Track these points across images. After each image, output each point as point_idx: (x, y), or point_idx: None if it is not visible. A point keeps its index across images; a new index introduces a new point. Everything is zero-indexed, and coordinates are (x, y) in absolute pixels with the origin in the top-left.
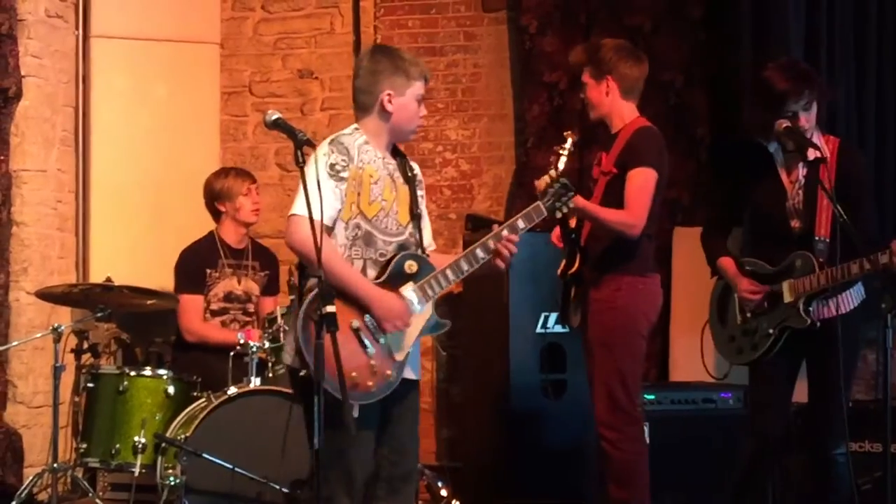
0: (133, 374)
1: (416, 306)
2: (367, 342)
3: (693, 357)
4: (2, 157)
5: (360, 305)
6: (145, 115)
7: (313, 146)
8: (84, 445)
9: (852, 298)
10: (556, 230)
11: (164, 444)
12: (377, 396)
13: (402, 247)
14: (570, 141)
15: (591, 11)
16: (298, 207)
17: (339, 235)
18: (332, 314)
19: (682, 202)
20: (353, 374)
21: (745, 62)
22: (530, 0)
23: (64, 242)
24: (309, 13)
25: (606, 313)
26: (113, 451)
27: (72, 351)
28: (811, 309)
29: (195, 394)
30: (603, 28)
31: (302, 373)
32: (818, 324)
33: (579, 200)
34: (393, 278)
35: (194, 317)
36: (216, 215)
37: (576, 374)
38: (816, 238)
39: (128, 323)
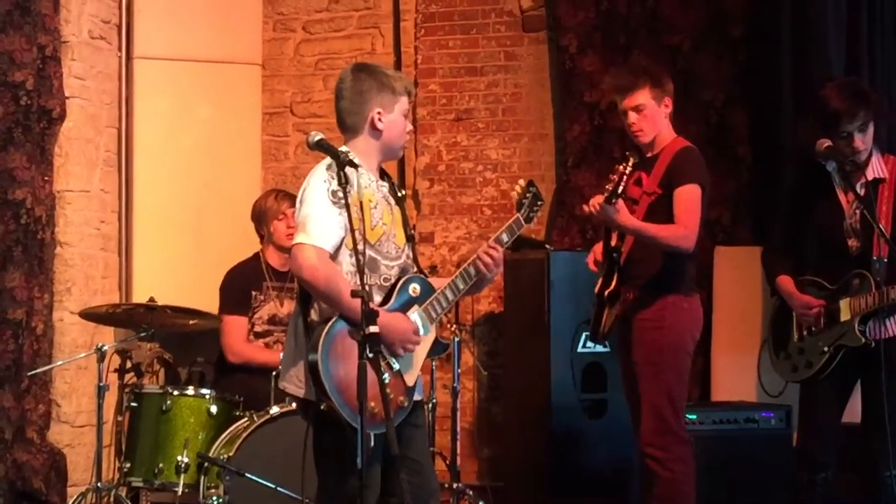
0: (176, 393)
1: (423, 329)
2: (381, 370)
3: (735, 376)
4: (46, 178)
5: None
6: (187, 136)
7: (356, 167)
8: (127, 465)
9: None
10: (592, 254)
11: (207, 464)
12: (392, 425)
13: (403, 270)
14: (631, 161)
15: (631, 31)
16: (303, 235)
17: (343, 263)
18: (376, 335)
19: (722, 222)
20: (372, 404)
21: (786, 81)
22: (570, 20)
23: (107, 262)
24: (350, 34)
25: (653, 333)
26: (156, 471)
27: (115, 370)
28: (866, 329)
29: (238, 413)
30: (643, 48)
31: (322, 406)
32: (873, 343)
33: (630, 219)
34: (399, 302)
35: (238, 338)
36: (260, 237)
37: (616, 393)
38: (874, 258)
39: (170, 342)
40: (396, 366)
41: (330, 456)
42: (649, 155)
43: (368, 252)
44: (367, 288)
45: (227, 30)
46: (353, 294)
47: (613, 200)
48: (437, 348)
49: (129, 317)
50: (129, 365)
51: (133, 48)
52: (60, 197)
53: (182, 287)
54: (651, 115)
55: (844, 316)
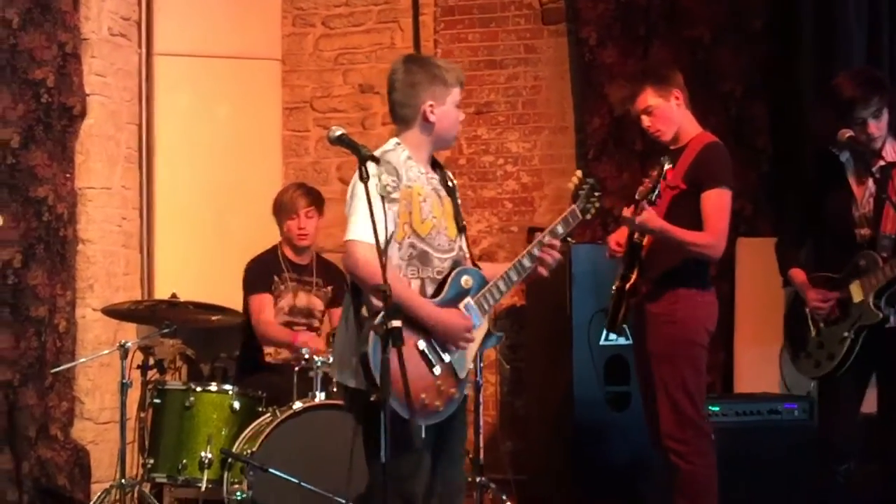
0: (199, 389)
1: (475, 321)
2: (433, 362)
3: (757, 368)
4: (67, 175)
5: (422, 326)
6: (208, 132)
7: (377, 161)
8: (151, 461)
9: None
10: (613, 237)
11: (230, 459)
12: (443, 416)
13: (455, 262)
14: (666, 165)
15: (650, 23)
16: (354, 232)
17: (393, 257)
18: (399, 329)
19: (744, 213)
20: (423, 395)
21: (806, 72)
22: (590, 12)
23: (129, 259)
24: (369, 28)
25: (666, 326)
26: (180, 467)
27: (138, 367)
28: (881, 303)
29: (260, 409)
30: (662, 40)
31: (373, 397)
32: (892, 317)
33: (658, 221)
34: (451, 295)
35: (268, 313)
36: (280, 230)
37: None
38: (882, 234)
39: (193, 339)
40: (447, 358)
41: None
42: (674, 148)
43: (420, 245)
44: (420, 281)
45: (247, 25)
46: (375, 289)
47: (642, 205)
48: (490, 340)
49: (151, 313)
50: (151, 361)
51: (153, 45)
52: (82, 194)
53: (204, 283)
54: (663, 114)
55: (857, 297)
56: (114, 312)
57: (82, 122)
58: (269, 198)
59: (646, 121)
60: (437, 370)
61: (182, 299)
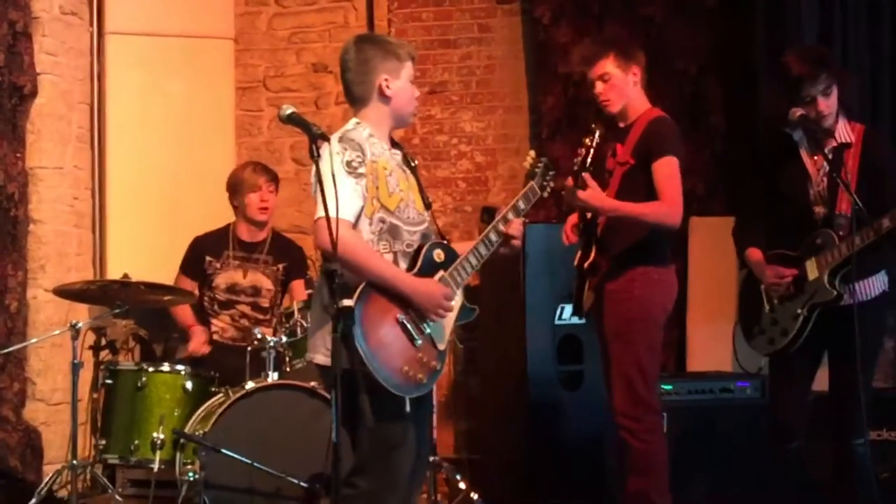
0: (151, 369)
1: (452, 293)
2: (414, 334)
3: (710, 347)
4: (18, 155)
5: (401, 299)
6: (160, 112)
7: (328, 140)
8: (103, 442)
9: (874, 286)
10: (568, 224)
11: (182, 440)
12: (427, 388)
13: (424, 236)
14: (597, 133)
15: (604, 2)
16: (321, 210)
17: (364, 231)
18: (349, 308)
19: (697, 192)
20: (405, 367)
21: (759, 51)
22: None
23: (81, 239)
24: (322, 7)
25: (622, 304)
26: (132, 448)
27: (90, 348)
28: (836, 281)
29: (213, 389)
30: (616, 18)
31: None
32: (845, 295)
33: (607, 200)
34: (425, 268)
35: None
36: (234, 208)
37: (592, 365)
38: (837, 213)
39: (145, 319)
40: (427, 330)
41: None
42: (622, 125)
43: (389, 219)
44: (392, 255)
45: (200, 4)
46: (324, 271)
47: (581, 176)
48: (465, 313)
49: (103, 293)
50: (103, 342)
51: (105, 23)
52: (33, 174)
53: (156, 263)
54: (617, 85)
55: (812, 275)
56: (65, 293)
57: (33, 101)
58: (222, 178)
59: (599, 87)
60: (419, 342)
61: (134, 279)
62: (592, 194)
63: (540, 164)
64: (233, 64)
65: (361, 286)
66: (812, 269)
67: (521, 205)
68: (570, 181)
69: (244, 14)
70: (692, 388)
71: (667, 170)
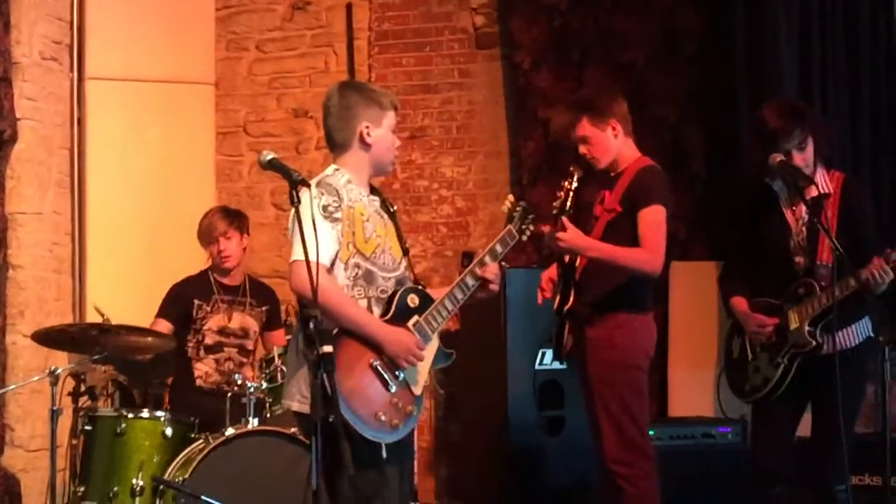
0: (131, 416)
1: (424, 339)
2: (388, 379)
3: (691, 391)
4: None
5: (374, 344)
6: (140, 157)
7: (308, 185)
8: (82, 489)
9: (857, 334)
10: (544, 278)
11: (162, 487)
12: (402, 433)
13: (399, 282)
14: (575, 176)
15: (584, 48)
16: (297, 253)
17: (339, 276)
18: (329, 354)
19: (678, 236)
20: (380, 413)
21: (739, 98)
22: (523, 37)
23: (60, 285)
24: (303, 52)
25: (605, 351)
26: (111, 494)
27: (69, 394)
28: (816, 331)
29: (193, 435)
30: (596, 64)
31: (331, 419)
32: (824, 346)
33: (594, 242)
34: (399, 314)
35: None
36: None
37: (574, 410)
38: (818, 263)
39: (125, 365)
40: (402, 375)
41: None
42: (613, 174)
43: (365, 265)
44: (366, 300)
45: (180, 49)
46: (304, 315)
47: (560, 220)
48: (441, 357)
49: (83, 338)
50: (83, 388)
51: (85, 69)
52: (12, 219)
53: (136, 308)
54: (598, 143)
55: (793, 324)
56: (44, 336)
57: (13, 146)
58: None
59: (582, 148)
60: (393, 388)
61: (113, 324)
62: (572, 235)
63: (518, 209)
64: (213, 109)
65: (334, 332)
66: (793, 319)
67: (499, 249)
68: (548, 228)
69: (225, 59)
70: (674, 433)
71: (651, 217)
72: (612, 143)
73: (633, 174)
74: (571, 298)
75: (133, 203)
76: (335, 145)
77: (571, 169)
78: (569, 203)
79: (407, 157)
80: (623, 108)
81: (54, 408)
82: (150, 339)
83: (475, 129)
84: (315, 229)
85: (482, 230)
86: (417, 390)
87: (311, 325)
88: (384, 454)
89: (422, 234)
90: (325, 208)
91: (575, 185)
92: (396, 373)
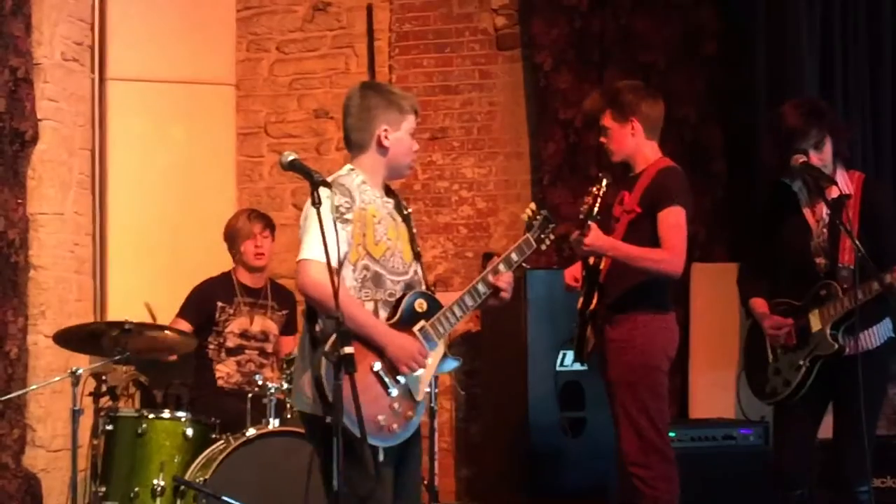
0: (151, 416)
1: (430, 345)
2: (389, 384)
3: (713, 393)
4: (19, 201)
5: (377, 347)
6: (161, 157)
7: (329, 186)
8: (103, 489)
9: (878, 336)
10: (570, 271)
11: (182, 487)
12: (401, 438)
13: (408, 286)
14: (604, 182)
15: (605, 49)
16: (308, 252)
17: (347, 278)
18: (351, 355)
19: (699, 238)
20: (379, 417)
21: (759, 98)
22: (544, 38)
23: (81, 285)
24: (324, 53)
25: (626, 353)
26: (132, 495)
27: (90, 394)
28: (838, 334)
29: (214, 436)
30: (617, 65)
31: (328, 419)
32: (846, 349)
33: (608, 239)
34: (405, 318)
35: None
36: (232, 255)
37: (595, 411)
38: (840, 265)
39: (146, 365)
40: (404, 380)
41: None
42: (632, 174)
43: (374, 267)
44: (374, 303)
45: (201, 50)
46: (329, 317)
47: (588, 224)
48: (447, 364)
49: (104, 339)
50: (104, 388)
51: (106, 70)
52: (34, 220)
53: (157, 309)
54: (615, 137)
55: (815, 327)
56: (65, 339)
57: (34, 147)
58: (223, 224)
59: (602, 137)
60: (394, 392)
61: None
62: (593, 237)
63: (539, 217)
64: (234, 110)
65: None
66: (815, 321)
67: (514, 257)
68: (576, 233)
69: (245, 60)
70: (695, 434)
71: (671, 219)
72: (629, 141)
73: (652, 175)
74: (594, 300)
75: (154, 204)
76: (352, 145)
77: (600, 175)
78: (596, 208)
79: (428, 158)
80: (653, 111)
81: (75, 408)
82: (170, 336)
83: (496, 131)
84: (323, 228)
85: (503, 231)
86: (419, 396)
87: (334, 326)
88: (381, 457)
89: (442, 236)
90: (336, 209)
91: (603, 190)
92: (398, 377)
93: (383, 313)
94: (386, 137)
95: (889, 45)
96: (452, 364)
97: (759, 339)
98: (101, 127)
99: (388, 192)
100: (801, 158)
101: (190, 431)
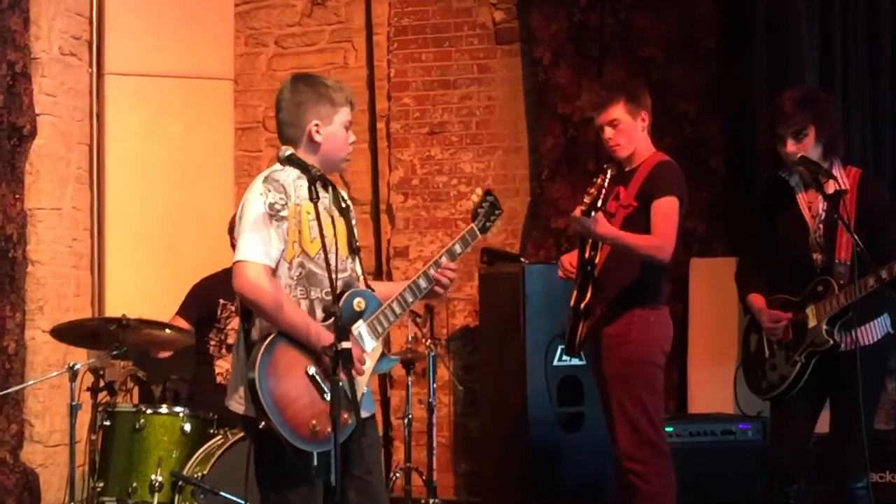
0: (149, 411)
1: (368, 344)
2: (325, 388)
3: (711, 388)
4: (17, 196)
5: (313, 350)
6: (159, 152)
7: (327, 182)
8: (101, 484)
9: (876, 330)
10: (566, 257)
11: (180, 482)
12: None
13: (347, 283)
14: (609, 173)
15: (604, 43)
16: (244, 252)
17: (282, 276)
18: (348, 350)
19: (697, 233)
20: (314, 422)
21: (759, 92)
22: (543, 32)
23: (79, 280)
24: (322, 48)
25: (621, 348)
26: (130, 490)
27: (88, 389)
28: (834, 332)
29: (212, 431)
30: (616, 60)
31: (261, 425)
32: (841, 345)
33: (608, 227)
34: (344, 319)
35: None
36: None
37: (593, 406)
38: (837, 261)
39: (144, 360)
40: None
41: (270, 473)
42: (627, 169)
43: (309, 265)
44: (308, 302)
45: (199, 45)
46: (326, 310)
47: (593, 213)
48: (384, 363)
49: (102, 333)
50: (101, 383)
51: (104, 64)
52: (32, 215)
53: (155, 304)
54: (627, 130)
55: (812, 322)
56: (63, 333)
57: (32, 142)
58: (221, 218)
59: (608, 132)
60: (329, 396)
61: (132, 320)
62: (603, 225)
63: (485, 203)
64: (232, 104)
65: (272, 336)
66: (812, 317)
67: (458, 248)
68: (578, 210)
69: (244, 55)
70: (693, 430)
71: (664, 208)
72: (638, 134)
73: (648, 169)
74: (588, 295)
75: (152, 199)
76: (286, 141)
77: (606, 166)
78: (600, 200)
79: (426, 153)
80: (650, 104)
81: (73, 403)
82: (168, 333)
83: (494, 125)
84: (255, 227)
85: (501, 226)
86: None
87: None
88: (314, 463)
89: (440, 230)
90: (271, 206)
91: (608, 182)
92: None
93: (320, 313)
94: (317, 132)
95: (889, 39)
96: (391, 363)
97: (755, 335)
98: (98, 121)
99: (326, 185)
100: (796, 152)
101: (188, 427)
